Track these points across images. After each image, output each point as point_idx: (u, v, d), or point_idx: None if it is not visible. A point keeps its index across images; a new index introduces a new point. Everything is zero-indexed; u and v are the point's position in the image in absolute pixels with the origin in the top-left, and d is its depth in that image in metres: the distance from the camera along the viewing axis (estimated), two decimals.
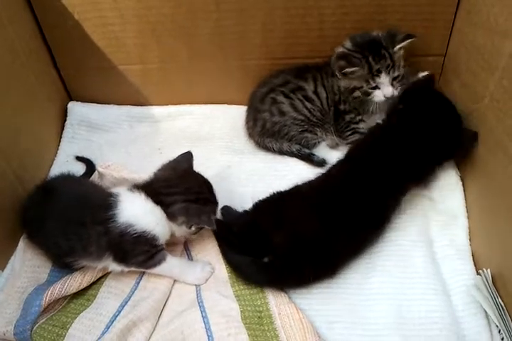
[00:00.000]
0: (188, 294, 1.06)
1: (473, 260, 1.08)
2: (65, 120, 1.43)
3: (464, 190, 1.19)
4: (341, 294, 1.04)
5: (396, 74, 1.23)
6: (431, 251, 1.10)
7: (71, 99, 1.46)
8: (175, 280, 1.08)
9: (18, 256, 1.13)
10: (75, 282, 1.04)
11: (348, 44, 1.25)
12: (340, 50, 1.25)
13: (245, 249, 1.10)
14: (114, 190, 1.06)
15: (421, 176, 1.16)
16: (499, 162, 1.02)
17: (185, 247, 1.15)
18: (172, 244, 1.11)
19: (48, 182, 1.17)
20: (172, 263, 1.05)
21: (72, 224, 1.01)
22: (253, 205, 1.14)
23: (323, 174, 1.18)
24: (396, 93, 1.25)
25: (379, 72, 1.22)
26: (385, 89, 1.24)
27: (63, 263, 1.05)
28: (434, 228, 1.14)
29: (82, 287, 1.05)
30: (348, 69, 1.23)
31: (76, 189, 1.13)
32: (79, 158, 1.34)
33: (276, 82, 1.32)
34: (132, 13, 1.26)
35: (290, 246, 1.04)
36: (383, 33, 1.23)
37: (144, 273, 1.09)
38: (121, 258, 1.01)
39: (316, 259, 1.03)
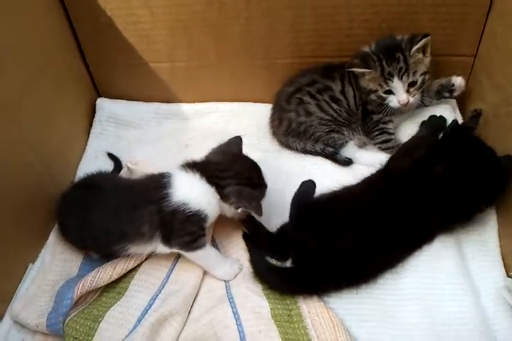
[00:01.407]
0: (217, 290, 1.07)
1: (503, 261, 1.08)
2: (94, 116, 1.44)
3: None
4: (371, 293, 1.03)
5: (411, 79, 1.21)
6: (460, 251, 1.10)
7: (100, 96, 1.47)
8: (204, 275, 1.09)
9: (48, 249, 1.15)
10: (105, 275, 1.05)
11: (373, 46, 1.26)
12: (365, 49, 1.26)
13: (272, 247, 1.10)
14: (165, 171, 1.08)
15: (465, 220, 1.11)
16: None
17: (213, 244, 1.16)
18: None
19: (87, 177, 1.17)
20: (209, 252, 1.06)
21: (125, 208, 1.03)
22: (294, 208, 1.11)
23: (366, 184, 1.14)
24: (412, 101, 1.23)
25: (391, 75, 1.21)
26: (399, 95, 1.22)
27: (109, 252, 1.06)
28: (463, 230, 1.13)
29: (112, 279, 1.06)
30: (356, 70, 1.24)
31: (121, 179, 1.17)
32: (110, 155, 1.35)
33: (303, 81, 1.31)
34: (163, 10, 1.27)
35: (321, 256, 1.03)
36: (407, 36, 1.22)
37: (174, 266, 1.10)
38: (168, 237, 1.02)
39: (346, 272, 1.03)
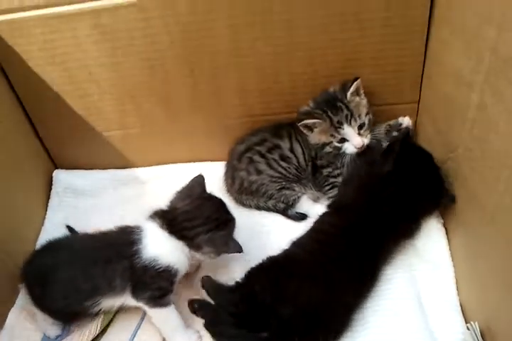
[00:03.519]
0: None
1: (463, 311, 1.07)
2: (51, 188, 1.44)
3: (448, 238, 1.18)
4: None
5: (359, 122, 1.25)
6: (419, 303, 1.09)
7: (56, 168, 1.48)
8: None
9: (5, 333, 1.12)
10: None
11: (311, 104, 1.29)
12: (305, 108, 1.29)
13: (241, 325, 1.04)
14: (136, 224, 1.10)
15: (412, 225, 1.18)
16: (476, 213, 1.02)
17: None
18: None
19: (52, 241, 1.16)
20: (173, 313, 1.06)
21: (98, 262, 1.04)
22: (245, 276, 1.08)
23: (311, 231, 1.16)
24: (367, 141, 1.26)
25: (340, 123, 1.24)
26: (353, 140, 1.25)
27: (80, 310, 1.06)
28: (420, 278, 1.13)
29: None
30: (308, 121, 1.25)
31: (89, 234, 1.15)
32: (68, 228, 1.34)
33: (254, 140, 1.34)
34: (109, 83, 1.29)
35: (298, 318, 1.00)
36: (338, 86, 1.27)
37: (141, 324, 1.10)
38: (138, 290, 1.03)
39: (326, 326, 1.01)
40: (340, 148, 1.27)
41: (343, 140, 1.26)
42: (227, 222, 1.09)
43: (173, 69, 1.28)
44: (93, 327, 1.08)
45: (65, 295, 1.05)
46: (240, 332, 1.02)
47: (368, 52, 1.27)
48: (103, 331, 1.10)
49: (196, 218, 1.07)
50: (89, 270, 1.03)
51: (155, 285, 1.03)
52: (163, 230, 1.06)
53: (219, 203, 1.12)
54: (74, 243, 1.13)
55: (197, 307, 1.07)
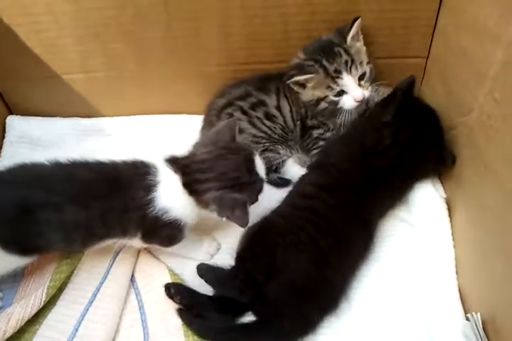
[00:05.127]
0: None
1: (461, 299, 0.94)
2: (4, 137, 1.28)
3: (451, 216, 1.04)
4: None
5: (360, 71, 1.09)
6: (414, 289, 0.97)
7: (11, 113, 1.31)
8: (121, 321, 0.97)
9: None
10: None
11: (301, 54, 1.12)
12: (293, 60, 1.13)
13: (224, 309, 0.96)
14: (151, 162, 0.96)
15: (403, 185, 1.07)
16: (489, 187, 0.87)
17: (133, 285, 1.03)
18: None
19: (25, 166, 0.95)
20: (187, 240, 1.01)
21: (115, 209, 0.91)
22: (236, 258, 0.98)
23: (289, 195, 1.05)
24: (367, 94, 1.10)
25: (338, 72, 1.08)
26: (353, 92, 1.09)
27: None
28: (416, 260, 1.00)
29: (7, 335, 0.89)
30: (298, 78, 1.09)
31: (97, 166, 0.97)
32: None
33: (236, 93, 1.17)
34: (69, 17, 1.11)
35: (285, 295, 0.91)
36: (333, 33, 1.11)
37: (83, 317, 0.96)
38: (147, 237, 0.97)
39: (319, 299, 0.92)
40: (337, 103, 1.11)
41: (341, 92, 1.10)
42: (246, 184, 0.93)
43: (144, 3, 1.09)
44: (37, 298, 0.94)
45: (68, 237, 0.91)
46: (224, 319, 0.95)
47: None
48: (50, 302, 0.96)
49: (211, 171, 0.92)
50: (106, 215, 0.90)
51: (165, 234, 0.96)
52: (176, 179, 0.93)
53: (246, 159, 0.94)
54: (72, 173, 0.93)
55: (174, 292, 0.96)
